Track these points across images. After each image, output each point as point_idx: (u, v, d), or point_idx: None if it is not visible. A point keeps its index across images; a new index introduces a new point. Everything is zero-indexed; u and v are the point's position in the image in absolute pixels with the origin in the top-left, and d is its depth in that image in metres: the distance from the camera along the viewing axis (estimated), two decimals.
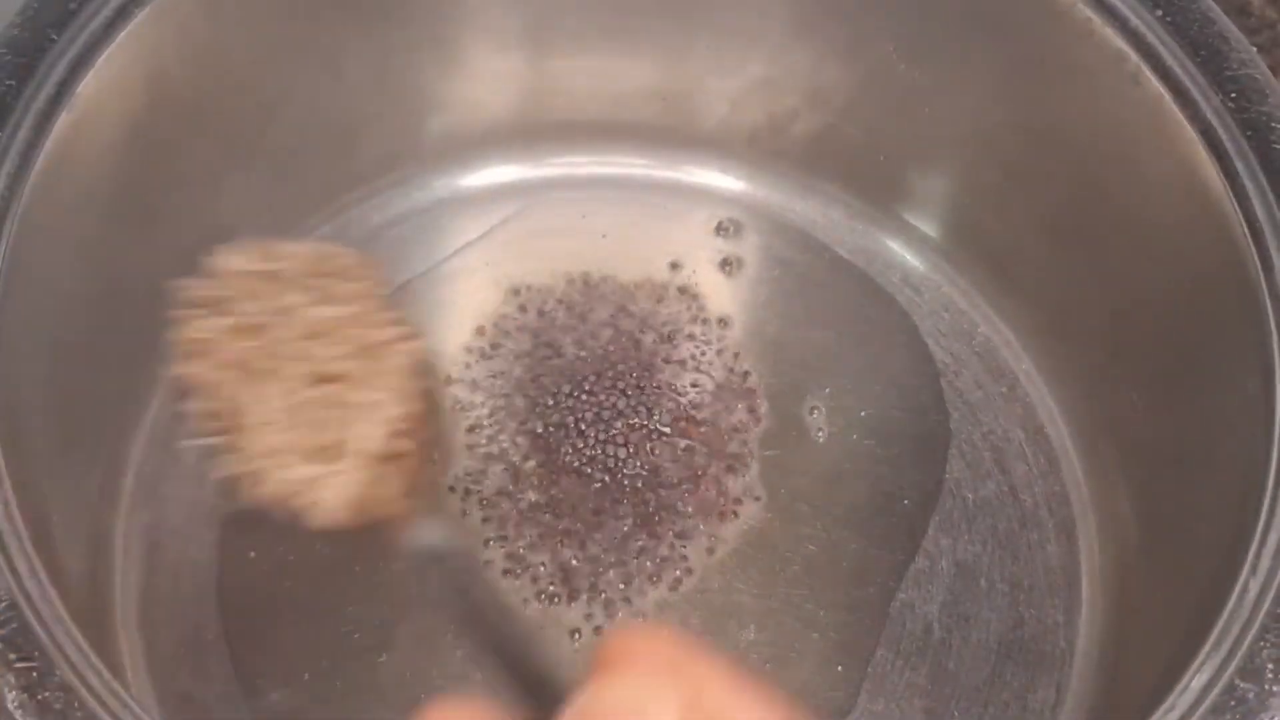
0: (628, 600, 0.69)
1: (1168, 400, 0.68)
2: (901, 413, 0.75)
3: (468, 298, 0.77)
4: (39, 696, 0.50)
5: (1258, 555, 0.56)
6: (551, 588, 0.69)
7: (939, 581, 0.71)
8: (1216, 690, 0.53)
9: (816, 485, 0.73)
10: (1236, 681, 0.53)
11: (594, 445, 0.73)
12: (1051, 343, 0.76)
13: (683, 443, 0.73)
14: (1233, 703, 0.53)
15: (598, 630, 0.68)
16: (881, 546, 0.72)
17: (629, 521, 0.71)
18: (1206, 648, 0.54)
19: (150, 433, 0.72)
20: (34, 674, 0.50)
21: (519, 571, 0.69)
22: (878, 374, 0.76)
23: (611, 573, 0.69)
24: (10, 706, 0.50)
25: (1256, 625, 0.54)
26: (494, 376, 0.75)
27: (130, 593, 0.68)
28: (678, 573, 0.70)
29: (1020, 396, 0.76)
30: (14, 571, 0.53)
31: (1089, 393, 0.74)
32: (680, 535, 0.71)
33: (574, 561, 0.69)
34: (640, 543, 0.70)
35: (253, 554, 0.69)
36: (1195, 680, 0.53)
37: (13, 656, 0.51)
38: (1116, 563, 0.71)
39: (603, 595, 0.69)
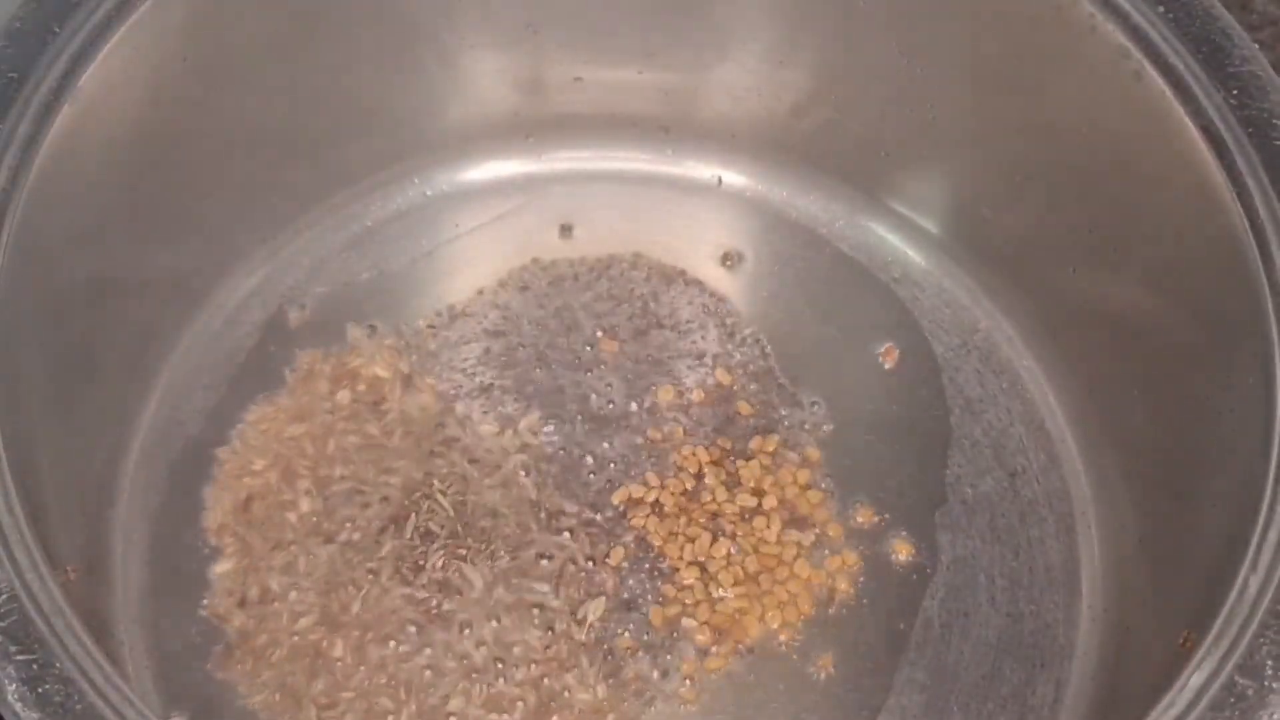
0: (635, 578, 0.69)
1: (1168, 396, 0.68)
2: (902, 408, 0.75)
3: (469, 288, 0.77)
4: (39, 689, 0.50)
5: (1258, 551, 0.56)
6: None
7: (939, 577, 0.71)
8: (1216, 686, 0.53)
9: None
10: (1236, 678, 0.53)
11: (592, 433, 0.73)
12: (1052, 338, 0.76)
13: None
14: (1232, 699, 0.53)
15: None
16: (881, 541, 0.72)
17: (626, 514, 0.71)
18: (1206, 644, 0.54)
19: (150, 425, 0.72)
20: (34, 666, 0.51)
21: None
22: (878, 369, 0.76)
23: (614, 551, 0.70)
24: (11, 699, 0.50)
25: (1256, 622, 0.54)
26: (496, 366, 0.75)
27: (130, 585, 0.68)
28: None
29: (1020, 392, 0.76)
30: (14, 564, 0.53)
31: (1090, 388, 0.74)
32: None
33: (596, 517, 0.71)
34: (638, 533, 0.70)
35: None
36: (1195, 677, 0.53)
37: (13, 649, 0.51)
38: (1116, 558, 0.71)
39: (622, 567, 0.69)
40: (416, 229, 0.79)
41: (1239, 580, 0.55)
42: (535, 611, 0.68)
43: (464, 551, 0.69)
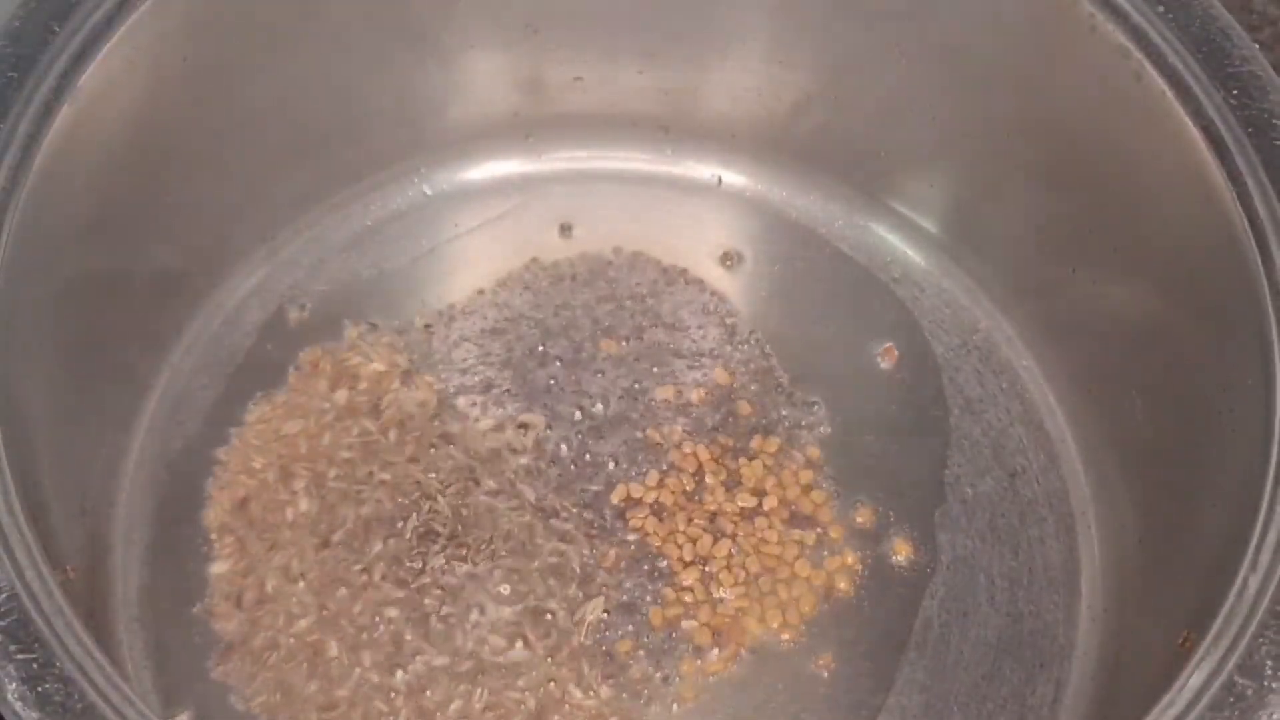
0: (638, 598, 0.69)
1: (1168, 396, 0.68)
2: (902, 408, 0.75)
3: (469, 288, 0.77)
4: (39, 688, 0.50)
5: (1257, 551, 0.56)
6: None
7: (938, 577, 0.71)
8: (1215, 686, 0.53)
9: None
10: (1236, 678, 0.53)
11: (592, 433, 0.73)
12: (1052, 339, 0.76)
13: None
14: (1231, 699, 0.53)
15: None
16: (881, 541, 0.72)
17: (625, 514, 0.71)
18: (1206, 644, 0.54)
19: (150, 424, 0.72)
20: (34, 665, 0.51)
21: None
22: (878, 369, 0.76)
23: (613, 551, 0.70)
24: (10, 698, 0.50)
25: (1256, 622, 0.54)
26: (496, 365, 0.75)
27: (130, 585, 0.68)
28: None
29: (1020, 392, 0.76)
30: (14, 564, 0.53)
31: (1089, 388, 0.74)
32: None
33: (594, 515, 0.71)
34: (637, 533, 0.70)
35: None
36: (1194, 677, 0.53)
37: (13, 648, 0.51)
38: (1116, 558, 0.71)
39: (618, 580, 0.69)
40: (416, 229, 0.79)
41: (1238, 580, 0.55)
42: (534, 613, 0.68)
43: (463, 552, 0.69)
